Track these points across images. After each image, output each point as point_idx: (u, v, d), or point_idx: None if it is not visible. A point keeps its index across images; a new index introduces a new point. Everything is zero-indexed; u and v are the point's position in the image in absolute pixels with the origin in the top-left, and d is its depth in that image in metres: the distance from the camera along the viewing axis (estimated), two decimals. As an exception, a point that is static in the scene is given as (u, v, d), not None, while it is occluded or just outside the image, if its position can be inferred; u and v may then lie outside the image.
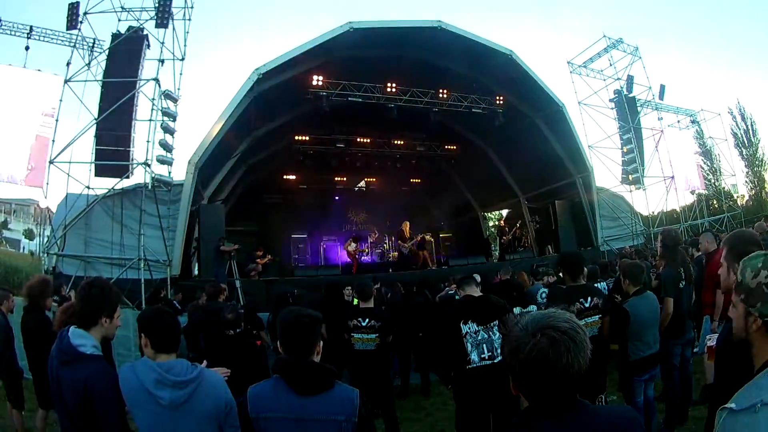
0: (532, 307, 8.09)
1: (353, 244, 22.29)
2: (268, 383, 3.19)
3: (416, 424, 8.84)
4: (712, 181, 33.95)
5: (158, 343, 3.44)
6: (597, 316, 5.68)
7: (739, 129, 40.43)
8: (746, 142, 40.31)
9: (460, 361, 5.68)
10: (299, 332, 3.20)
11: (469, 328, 5.68)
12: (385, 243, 28.13)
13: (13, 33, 17.08)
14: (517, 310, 7.63)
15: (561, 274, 7.62)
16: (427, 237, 26.59)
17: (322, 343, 3.34)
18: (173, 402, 3.19)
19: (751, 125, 40.64)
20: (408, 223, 24.15)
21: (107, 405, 3.33)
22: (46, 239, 16.26)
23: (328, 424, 3.01)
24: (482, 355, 5.60)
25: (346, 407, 3.06)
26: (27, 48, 17.10)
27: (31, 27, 17.21)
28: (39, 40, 17.29)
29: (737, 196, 36.61)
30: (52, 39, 17.29)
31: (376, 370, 7.39)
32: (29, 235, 51.75)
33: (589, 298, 5.68)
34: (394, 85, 20.85)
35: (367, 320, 7.34)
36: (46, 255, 16.36)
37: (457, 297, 9.70)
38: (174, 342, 3.48)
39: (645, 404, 6.31)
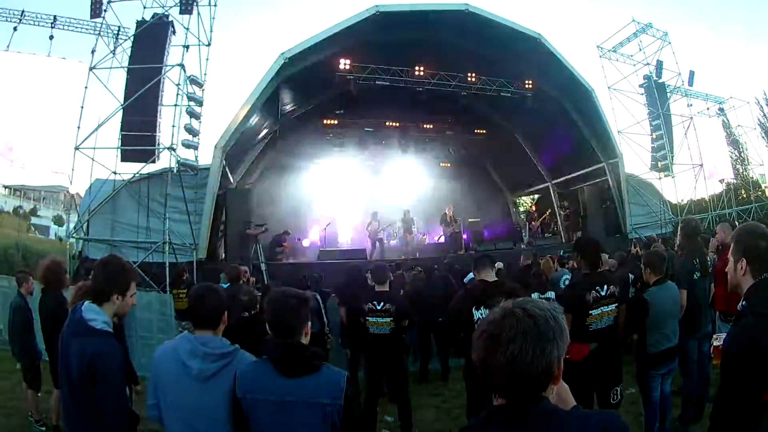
0: (551, 294, 8.00)
1: (375, 223, 22.26)
2: (256, 364, 3.22)
3: (431, 410, 8.84)
4: (740, 170, 33.50)
5: (196, 318, 3.56)
6: (614, 305, 5.57)
7: (766, 117, 39.77)
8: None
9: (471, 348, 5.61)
10: (285, 313, 3.20)
11: (481, 314, 5.56)
12: (414, 227, 28.06)
13: (37, 23, 17.25)
14: (535, 295, 7.53)
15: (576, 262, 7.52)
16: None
17: (310, 324, 3.33)
18: (201, 373, 3.26)
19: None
20: (452, 206, 24.51)
21: (109, 380, 3.38)
22: (73, 224, 16.40)
23: (313, 407, 3.01)
24: (494, 343, 5.49)
25: (331, 390, 3.05)
26: (51, 37, 17.26)
27: (54, 17, 17.37)
28: (63, 29, 17.45)
29: (766, 186, 36.13)
30: (77, 28, 17.43)
31: (391, 354, 7.37)
32: (58, 221, 52.35)
33: (605, 287, 5.57)
34: (421, 68, 20.81)
35: (381, 304, 7.29)
36: (73, 240, 16.51)
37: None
38: (211, 320, 3.52)
39: (661, 399, 6.22)
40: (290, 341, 3.14)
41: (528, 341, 1.72)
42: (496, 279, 6.10)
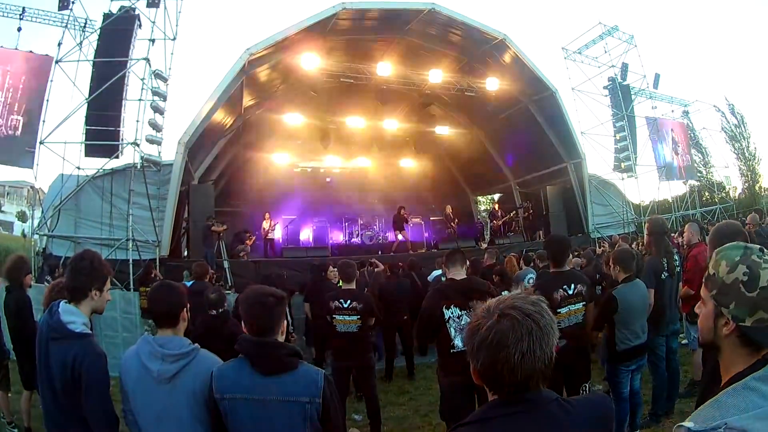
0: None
1: (267, 223, 21.91)
2: (233, 363, 3.19)
3: (399, 408, 8.86)
4: (704, 172, 33.99)
5: (155, 317, 3.57)
6: (581, 303, 5.61)
7: (729, 124, 40.41)
8: (737, 136, 40.32)
9: (444, 346, 5.64)
10: (262, 311, 3.17)
11: (452, 313, 5.59)
12: (375, 226, 28.11)
13: (5, 14, 17.02)
14: (505, 293, 7.53)
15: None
16: (416, 219, 26.65)
17: (287, 322, 3.31)
18: (161, 374, 3.23)
19: (741, 120, 40.69)
20: (449, 206, 25.01)
21: (94, 384, 3.35)
22: (37, 221, 16.23)
23: (292, 405, 3.00)
24: (466, 340, 5.48)
25: (309, 388, 3.05)
26: (19, 29, 17.04)
27: (23, 8, 17.15)
28: (31, 21, 17.23)
29: (730, 188, 36.67)
30: (44, 20, 17.23)
31: (358, 352, 7.38)
32: (22, 217, 51.73)
33: (572, 285, 5.59)
34: (386, 66, 20.75)
35: (348, 302, 7.29)
36: (37, 236, 16.33)
37: (443, 278, 9.77)
38: (169, 318, 3.48)
39: (631, 395, 6.26)
40: (267, 339, 3.12)
41: (534, 339, 1.76)
42: (464, 277, 6.08)
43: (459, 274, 6.03)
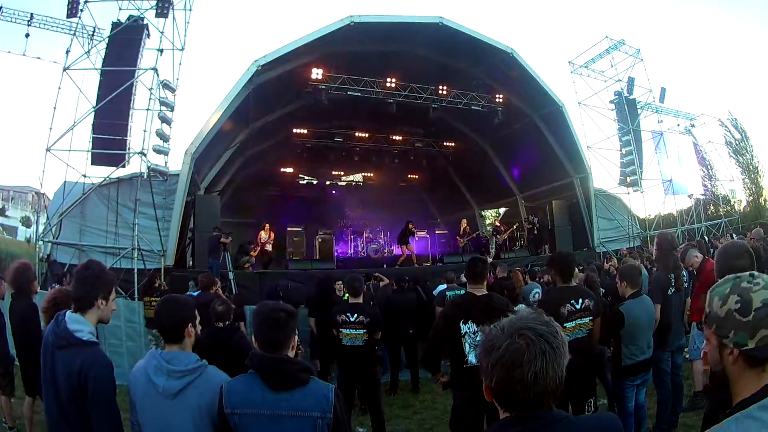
0: (521, 307, 7.95)
1: (266, 234, 21.50)
2: (243, 378, 3.17)
3: (404, 422, 8.81)
4: (709, 186, 33.92)
5: (163, 332, 3.52)
6: (588, 318, 5.58)
7: (733, 138, 40.34)
8: (740, 150, 40.26)
9: (457, 360, 5.63)
10: (274, 327, 3.17)
11: (468, 328, 5.57)
12: (380, 239, 28.11)
13: (13, 20, 17.08)
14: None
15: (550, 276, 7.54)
16: (421, 233, 26.70)
17: (297, 338, 3.32)
18: (167, 390, 3.21)
19: (744, 134, 40.64)
20: (465, 220, 25.31)
21: (101, 392, 3.33)
22: (42, 227, 16.25)
23: (303, 420, 2.99)
24: (480, 356, 5.44)
25: (320, 403, 3.04)
26: (27, 35, 17.10)
27: (31, 14, 17.22)
28: (39, 27, 17.28)
29: (735, 202, 36.57)
30: (53, 27, 17.28)
31: (364, 366, 7.34)
32: (26, 222, 51.81)
33: (580, 300, 5.57)
34: (393, 80, 20.87)
35: (355, 316, 7.27)
36: (42, 242, 16.34)
37: (448, 293, 9.77)
38: (173, 334, 3.46)
39: (635, 410, 6.23)
40: (279, 355, 3.12)
41: (547, 359, 1.80)
42: (485, 293, 5.99)
43: (479, 289, 5.95)
